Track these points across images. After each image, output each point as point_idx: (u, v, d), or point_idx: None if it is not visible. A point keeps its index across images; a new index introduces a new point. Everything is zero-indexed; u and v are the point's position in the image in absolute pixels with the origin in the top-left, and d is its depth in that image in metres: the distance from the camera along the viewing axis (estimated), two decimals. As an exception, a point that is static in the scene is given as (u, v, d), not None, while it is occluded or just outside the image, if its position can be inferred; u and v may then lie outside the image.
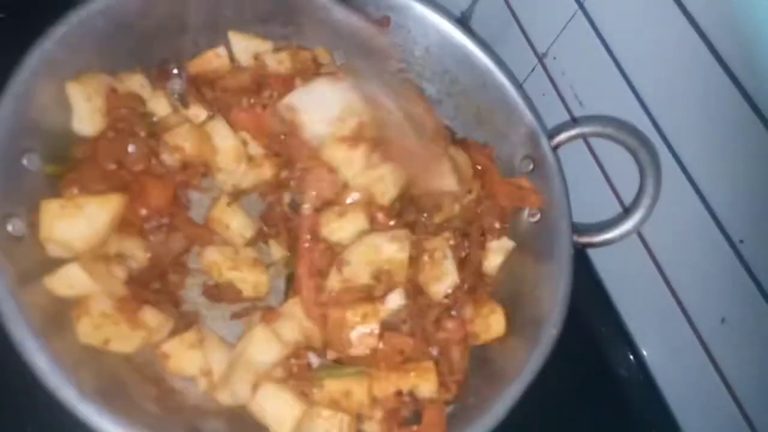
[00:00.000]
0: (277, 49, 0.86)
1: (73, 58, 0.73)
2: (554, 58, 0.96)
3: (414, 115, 0.81)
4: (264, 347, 0.71)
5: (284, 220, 0.80)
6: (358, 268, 0.74)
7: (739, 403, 0.80)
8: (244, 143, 0.83)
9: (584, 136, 0.87)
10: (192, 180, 0.79)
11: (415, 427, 0.71)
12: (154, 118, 0.80)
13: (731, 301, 0.78)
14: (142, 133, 0.76)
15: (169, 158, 0.77)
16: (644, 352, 0.93)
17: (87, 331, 0.66)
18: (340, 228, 0.76)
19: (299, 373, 0.71)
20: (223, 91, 0.82)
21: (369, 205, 0.78)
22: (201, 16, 0.83)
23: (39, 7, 0.75)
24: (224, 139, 0.80)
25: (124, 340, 0.67)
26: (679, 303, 0.85)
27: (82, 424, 0.59)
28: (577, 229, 0.81)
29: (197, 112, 0.82)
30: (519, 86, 0.87)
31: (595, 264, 0.97)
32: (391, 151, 0.79)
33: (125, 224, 0.72)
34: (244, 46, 0.85)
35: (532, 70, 1.00)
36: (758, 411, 0.78)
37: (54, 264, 0.66)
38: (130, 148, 0.74)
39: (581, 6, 0.88)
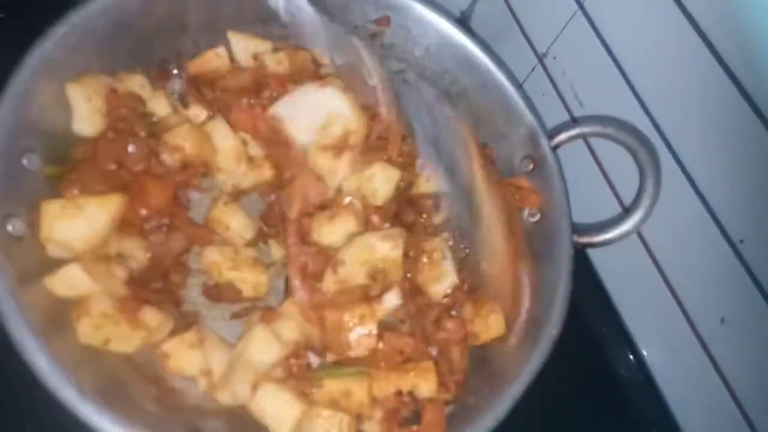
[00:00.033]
0: (275, 50, 0.86)
1: (73, 58, 0.73)
2: (554, 58, 0.96)
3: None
4: (263, 347, 0.71)
5: (284, 220, 0.80)
6: (353, 268, 0.74)
7: (738, 403, 0.80)
8: (244, 143, 0.83)
9: (584, 136, 0.87)
10: (192, 180, 0.79)
11: (414, 427, 0.71)
12: (154, 119, 0.80)
13: (731, 301, 0.78)
14: (142, 134, 0.76)
15: (169, 158, 0.77)
16: (644, 352, 0.94)
17: (87, 331, 0.66)
18: (330, 231, 0.77)
19: (299, 373, 0.71)
20: (223, 92, 0.82)
21: (365, 207, 0.78)
22: (201, 16, 0.83)
23: (39, 7, 0.75)
24: (224, 139, 0.80)
25: (124, 340, 0.67)
26: (679, 303, 0.85)
27: (82, 424, 0.59)
28: (577, 229, 0.81)
29: (197, 112, 0.82)
30: (519, 86, 0.87)
31: (595, 264, 0.97)
32: None
33: (125, 224, 0.72)
34: (244, 46, 0.85)
35: (532, 70, 1.00)
36: (758, 410, 0.78)
37: (54, 264, 0.66)
38: (130, 149, 0.74)
39: (581, 6, 0.88)
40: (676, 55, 0.76)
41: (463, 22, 1.10)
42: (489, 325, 0.78)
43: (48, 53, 0.71)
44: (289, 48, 0.87)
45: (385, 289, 0.74)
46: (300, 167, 0.79)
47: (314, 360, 0.73)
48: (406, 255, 0.77)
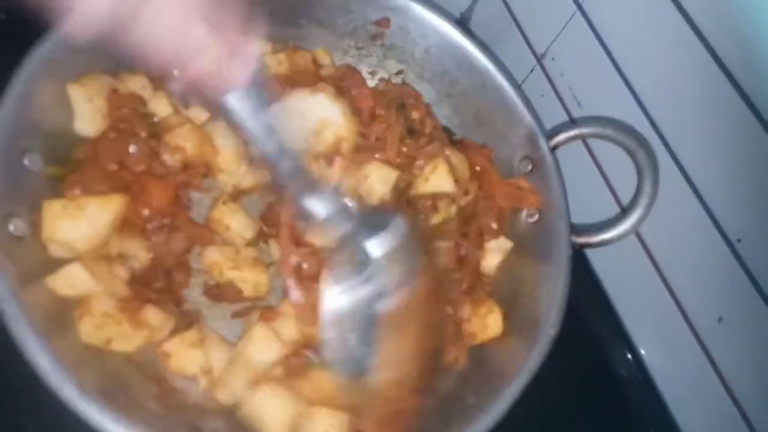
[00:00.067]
0: (275, 51, 0.87)
1: (74, 58, 0.73)
2: (553, 59, 0.96)
3: None
4: (263, 346, 0.71)
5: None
6: None
7: (737, 402, 0.80)
8: (245, 144, 0.83)
9: (583, 137, 0.87)
10: (193, 180, 0.80)
11: None
12: (155, 119, 0.80)
13: (729, 300, 0.79)
14: (144, 134, 0.76)
15: (170, 159, 0.77)
16: (642, 352, 0.94)
17: (89, 330, 0.66)
18: (323, 233, 0.76)
19: (298, 371, 0.71)
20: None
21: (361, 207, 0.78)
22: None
23: (40, 8, 0.75)
24: (225, 140, 0.80)
25: (126, 340, 0.67)
26: (677, 302, 0.85)
27: (84, 423, 0.59)
28: (576, 229, 0.81)
29: (198, 113, 0.82)
30: (518, 87, 0.88)
31: (594, 264, 0.97)
32: None
33: (127, 224, 0.73)
34: (244, 48, 0.85)
35: (531, 71, 1.00)
36: (756, 409, 0.79)
37: (56, 264, 0.67)
38: (132, 149, 0.74)
39: (580, 7, 0.88)
40: (674, 56, 0.76)
41: (462, 23, 1.10)
42: (486, 325, 0.79)
43: (49, 53, 0.71)
44: (289, 49, 0.87)
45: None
46: None
47: (314, 358, 0.74)
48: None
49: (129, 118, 0.76)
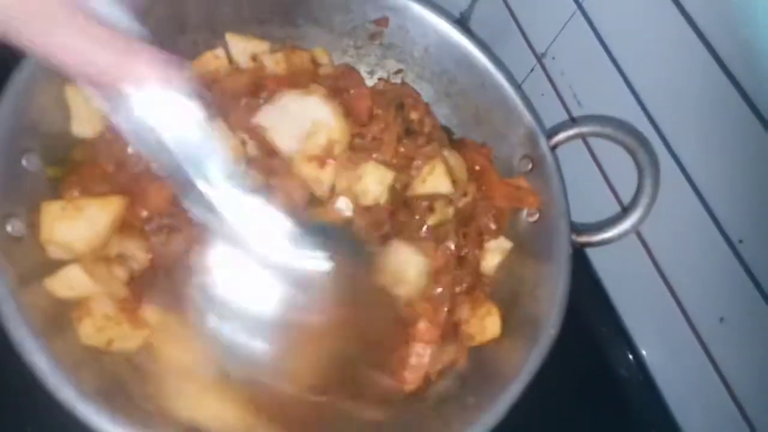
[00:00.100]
0: (273, 50, 0.86)
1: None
2: (553, 58, 0.96)
3: None
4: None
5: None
6: None
7: (738, 403, 0.80)
8: (244, 144, 0.83)
9: (583, 136, 0.87)
10: (192, 180, 0.79)
11: None
12: (154, 119, 0.80)
13: (730, 300, 0.79)
14: (142, 135, 0.76)
15: (168, 159, 0.77)
16: (643, 352, 0.94)
17: (90, 332, 0.66)
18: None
19: None
20: (222, 94, 0.82)
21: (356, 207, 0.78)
22: (200, 15, 0.84)
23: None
24: (224, 140, 0.80)
25: (126, 340, 0.68)
26: (678, 302, 0.85)
27: (82, 424, 0.59)
28: (576, 228, 0.81)
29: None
30: (518, 86, 0.87)
31: (594, 263, 0.97)
32: None
33: (126, 226, 0.72)
34: (242, 48, 0.85)
35: (531, 70, 1.00)
36: (757, 410, 0.78)
37: (54, 265, 0.66)
38: (130, 150, 0.74)
39: (580, 6, 0.88)
40: (674, 55, 0.76)
41: (462, 22, 1.10)
42: (484, 327, 0.79)
43: (48, 54, 0.71)
44: (287, 49, 0.87)
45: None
46: (285, 175, 0.79)
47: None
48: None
49: (127, 119, 0.75)
